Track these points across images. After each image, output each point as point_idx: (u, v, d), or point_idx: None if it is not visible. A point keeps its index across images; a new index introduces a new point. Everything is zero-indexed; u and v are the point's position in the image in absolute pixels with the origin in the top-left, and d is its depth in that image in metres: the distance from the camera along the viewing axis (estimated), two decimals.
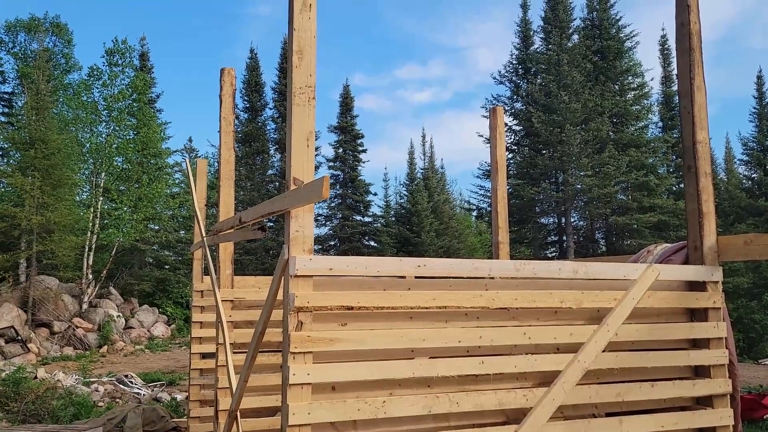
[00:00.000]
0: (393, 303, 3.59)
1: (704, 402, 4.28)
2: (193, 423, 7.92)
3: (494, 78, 31.74)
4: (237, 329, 5.95)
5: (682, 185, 29.53)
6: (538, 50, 30.49)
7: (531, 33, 31.27)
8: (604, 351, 3.96)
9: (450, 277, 3.82)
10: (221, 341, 5.68)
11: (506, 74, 31.43)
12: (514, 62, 31.19)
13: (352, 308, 3.49)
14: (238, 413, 4.65)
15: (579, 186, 26.66)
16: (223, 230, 5.49)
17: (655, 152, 28.60)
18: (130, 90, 27.26)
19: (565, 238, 28.57)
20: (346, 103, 38.41)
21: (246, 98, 37.91)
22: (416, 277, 3.84)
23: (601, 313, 4.10)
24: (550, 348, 3.96)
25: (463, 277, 3.92)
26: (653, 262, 4.71)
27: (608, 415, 4.20)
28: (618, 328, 3.99)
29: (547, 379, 3.94)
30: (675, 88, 33.17)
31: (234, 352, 5.56)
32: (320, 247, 39.78)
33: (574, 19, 30.19)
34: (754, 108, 32.34)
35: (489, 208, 32.52)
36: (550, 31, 29.49)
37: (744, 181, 33.59)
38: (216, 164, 43.92)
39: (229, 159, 5.92)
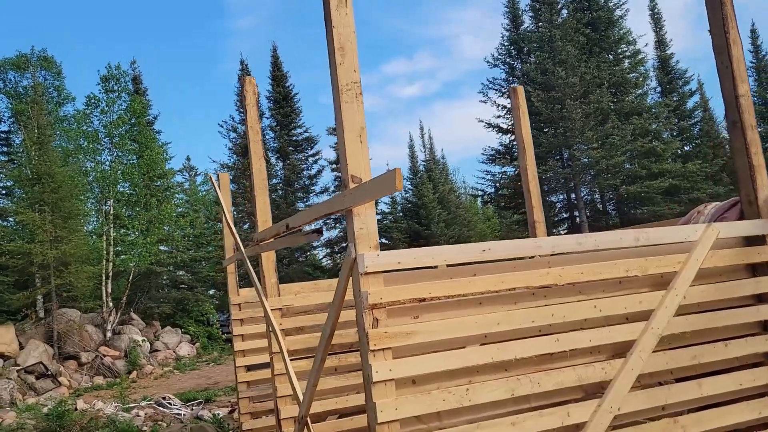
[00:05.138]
0: (463, 290, 3.57)
1: None
2: None
3: (488, 62, 31.65)
4: (288, 336, 5.93)
5: (687, 148, 29.33)
6: (528, 29, 30.39)
7: (520, 12, 31.16)
8: (675, 316, 3.93)
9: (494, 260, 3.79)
10: (275, 350, 5.66)
11: (499, 57, 31.34)
12: (506, 44, 31.08)
13: (424, 300, 3.47)
14: (309, 419, 4.64)
15: (586, 160, 26.59)
16: (266, 239, 5.46)
17: (658, 117, 28.47)
18: (128, 114, 27.24)
19: (577, 213, 28.49)
20: None
21: (242, 110, 37.79)
22: (481, 262, 3.81)
23: (665, 278, 4.07)
24: (620, 318, 3.93)
25: (503, 259, 3.88)
26: (706, 221, 4.67)
27: (678, 380, 4.17)
28: (686, 291, 3.96)
29: (619, 350, 3.91)
30: (669, 51, 33.13)
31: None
32: (331, 249, 39.77)
33: None
34: (752, 62, 32.18)
35: (498, 192, 32.44)
36: (538, 9, 29.38)
37: None
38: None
39: (260, 168, 5.89)
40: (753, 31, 32.47)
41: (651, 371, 3.89)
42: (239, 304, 8.08)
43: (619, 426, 3.82)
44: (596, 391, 3.89)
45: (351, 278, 3.48)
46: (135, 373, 22.73)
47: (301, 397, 4.80)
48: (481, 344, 3.61)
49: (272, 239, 5.40)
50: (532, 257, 4.37)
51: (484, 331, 3.59)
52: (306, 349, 5.93)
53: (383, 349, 3.31)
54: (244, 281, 9.79)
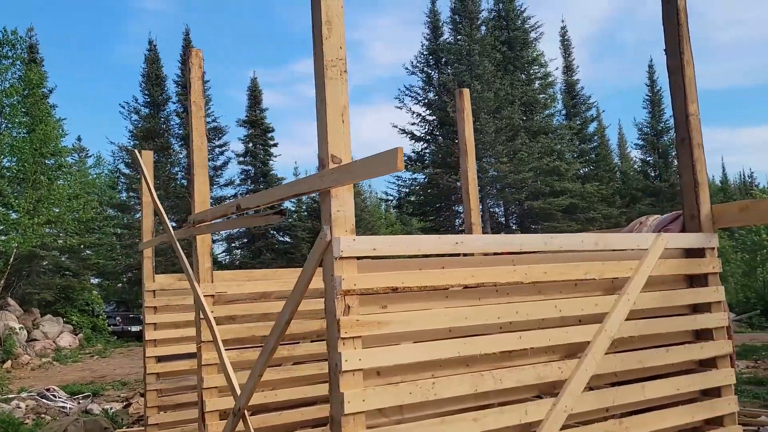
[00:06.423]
0: (435, 282, 3.49)
1: (707, 363, 4.46)
2: (152, 431, 7.42)
3: (406, 68, 32.00)
4: (218, 326, 5.60)
5: (586, 170, 30.75)
6: (448, 41, 31.01)
7: (440, 24, 31.75)
8: (626, 320, 4.04)
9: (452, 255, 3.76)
10: (204, 339, 5.33)
11: (417, 65, 31.78)
12: (425, 53, 31.56)
13: (396, 289, 3.36)
14: (246, 411, 4.38)
15: (495, 173, 27.42)
16: (205, 221, 5.14)
17: (563, 138, 29.91)
18: (22, 84, 25.16)
19: (482, 224, 29.28)
20: (255, 96, 37.48)
21: (146, 93, 36.14)
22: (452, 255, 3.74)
23: (615, 283, 4.17)
24: (574, 320, 3.99)
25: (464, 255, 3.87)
26: (649, 231, 4.86)
27: (613, 384, 4.28)
28: (636, 297, 4.09)
29: (572, 350, 3.97)
30: (576, 77, 34.96)
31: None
32: (230, 245, 38.69)
33: (482, 11, 30.99)
34: (647, 95, 34.53)
35: (407, 198, 32.78)
36: (459, 22, 30.06)
37: (639, 164, 35.86)
38: (115, 161, 41.44)
39: (201, 146, 5.54)
40: (650, 66, 34.92)
41: (599, 373, 3.97)
42: (153, 291, 7.59)
43: (568, 426, 3.86)
44: (549, 390, 3.92)
45: (322, 263, 3.31)
46: (9, 362, 20.98)
47: (237, 389, 4.53)
48: (445, 338, 3.54)
49: (213, 221, 5.09)
50: (468, 254, 4.30)
51: (454, 324, 3.53)
52: (236, 339, 5.64)
53: (353, 338, 3.17)
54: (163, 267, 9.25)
